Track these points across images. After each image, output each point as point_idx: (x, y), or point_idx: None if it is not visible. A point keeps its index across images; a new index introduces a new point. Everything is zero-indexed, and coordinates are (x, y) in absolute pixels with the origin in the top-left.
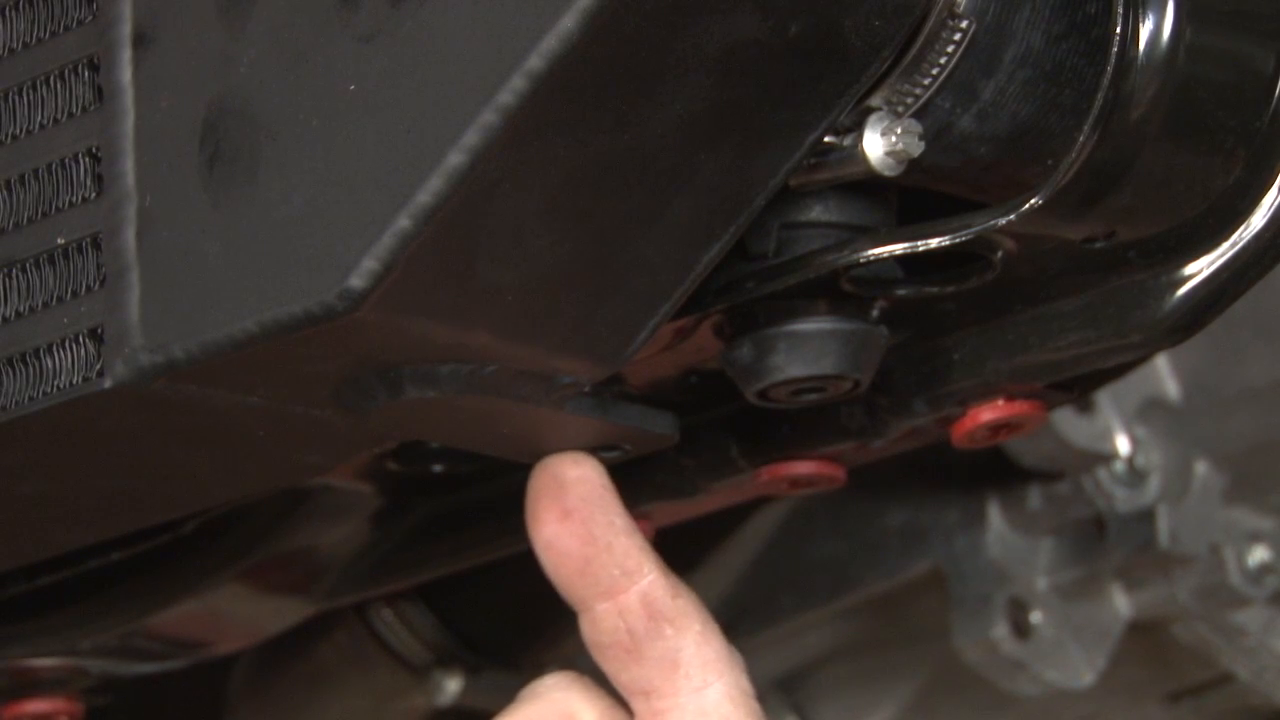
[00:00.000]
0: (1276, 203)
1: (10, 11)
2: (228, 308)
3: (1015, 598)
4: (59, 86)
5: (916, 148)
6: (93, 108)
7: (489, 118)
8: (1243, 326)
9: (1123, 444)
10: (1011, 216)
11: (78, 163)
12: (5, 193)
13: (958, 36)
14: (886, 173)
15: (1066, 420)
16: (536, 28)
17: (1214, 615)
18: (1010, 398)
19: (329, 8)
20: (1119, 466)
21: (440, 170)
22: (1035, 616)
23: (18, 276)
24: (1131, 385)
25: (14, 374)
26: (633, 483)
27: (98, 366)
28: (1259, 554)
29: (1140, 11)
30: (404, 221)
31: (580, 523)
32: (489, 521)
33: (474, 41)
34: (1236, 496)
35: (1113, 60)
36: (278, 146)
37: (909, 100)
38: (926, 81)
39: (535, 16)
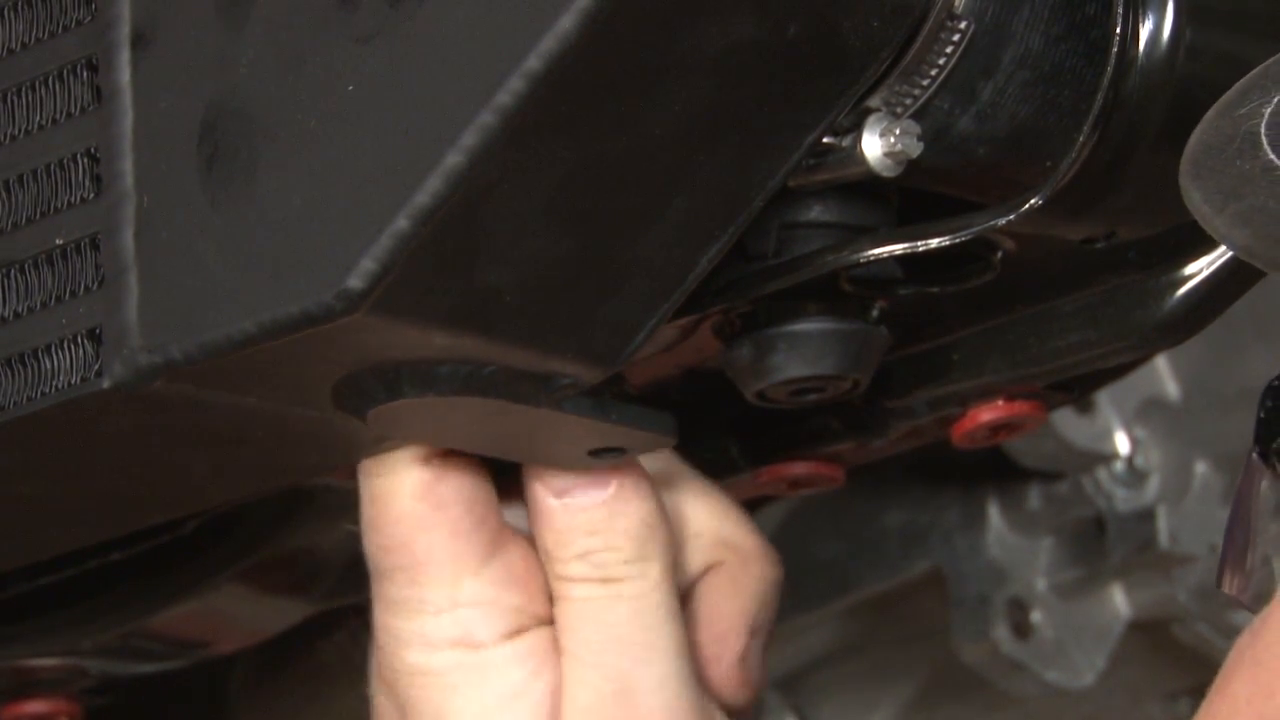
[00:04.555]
0: None
1: (9, 12)
2: (226, 308)
3: (1015, 598)
4: (57, 87)
5: (915, 148)
6: (91, 108)
7: (487, 119)
8: (1243, 326)
9: (1123, 444)
10: (1011, 216)
11: (76, 163)
12: (3, 193)
13: (956, 37)
14: (885, 173)
15: (1066, 420)
16: (535, 29)
17: (1214, 615)
18: (1010, 398)
19: (327, 9)
20: (1119, 466)
21: (439, 171)
22: (1035, 616)
23: (16, 277)
24: (1131, 385)
25: (12, 374)
26: None
27: (96, 367)
28: None
29: (1140, 12)
30: (402, 222)
31: None
32: None
33: (472, 43)
34: None
35: (1112, 61)
36: (276, 147)
37: (908, 101)
38: (925, 82)
39: (533, 18)
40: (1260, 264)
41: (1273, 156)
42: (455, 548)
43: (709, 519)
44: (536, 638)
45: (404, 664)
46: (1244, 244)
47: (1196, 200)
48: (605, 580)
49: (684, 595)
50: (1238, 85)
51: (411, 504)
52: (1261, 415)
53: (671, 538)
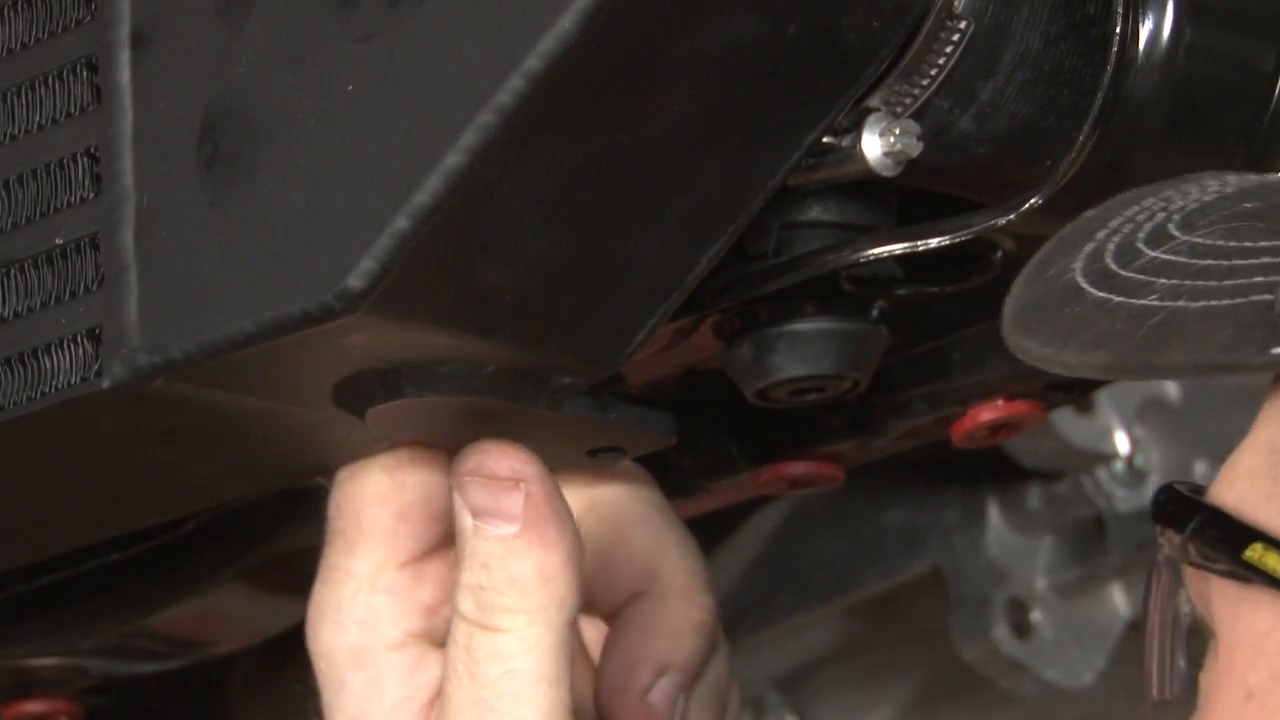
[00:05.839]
0: None
1: (9, 11)
2: (226, 308)
3: (1015, 598)
4: (57, 87)
5: (915, 148)
6: (91, 108)
7: (487, 118)
8: None
9: (1123, 444)
10: (1011, 216)
11: (76, 163)
12: (4, 193)
13: (956, 37)
14: (884, 173)
15: (1066, 420)
16: (534, 28)
17: None
18: (1010, 398)
19: (327, 8)
20: (1119, 466)
21: (438, 171)
22: (1035, 616)
23: (16, 277)
24: (1131, 385)
25: (12, 374)
26: None
27: (96, 367)
28: None
29: (1140, 11)
30: (402, 222)
31: None
32: None
33: (472, 42)
34: None
35: (1112, 60)
36: (276, 146)
37: (907, 101)
38: (925, 82)
39: (533, 17)
40: (1127, 377)
41: (1101, 294)
42: (396, 531)
43: (647, 547)
44: (432, 664)
45: (316, 639)
46: (1103, 363)
47: (1034, 348)
48: (484, 627)
49: (610, 616)
50: (1032, 260)
51: (377, 475)
52: (1154, 512)
53: (575, 593)
